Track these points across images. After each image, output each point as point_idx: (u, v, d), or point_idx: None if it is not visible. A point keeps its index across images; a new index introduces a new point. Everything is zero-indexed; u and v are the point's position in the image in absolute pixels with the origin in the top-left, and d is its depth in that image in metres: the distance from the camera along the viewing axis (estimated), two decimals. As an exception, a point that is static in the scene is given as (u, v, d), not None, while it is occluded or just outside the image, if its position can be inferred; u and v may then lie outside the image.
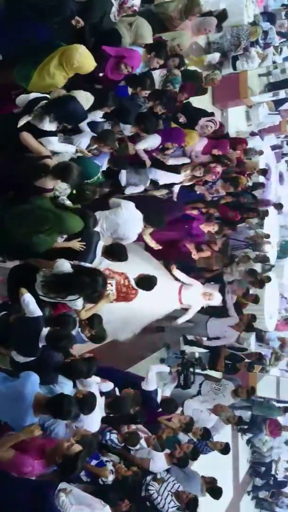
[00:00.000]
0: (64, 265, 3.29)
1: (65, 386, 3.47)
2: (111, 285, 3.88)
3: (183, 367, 5.63)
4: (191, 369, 5.62)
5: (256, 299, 6.84)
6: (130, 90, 4.57)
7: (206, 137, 5.86)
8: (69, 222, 3.32)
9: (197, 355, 6.41)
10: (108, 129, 4.33)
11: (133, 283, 4.21)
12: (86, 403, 3.36)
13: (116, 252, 3.93)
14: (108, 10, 4.14)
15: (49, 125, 3.43)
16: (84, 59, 3.53)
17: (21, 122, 3.39)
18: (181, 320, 5.56)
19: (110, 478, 3.86)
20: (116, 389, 4.20)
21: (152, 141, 4.92)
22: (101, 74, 4.23)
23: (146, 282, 4.25)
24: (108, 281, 3.80)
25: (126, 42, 4.39)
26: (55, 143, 3.58)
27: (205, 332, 6.33)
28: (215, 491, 4.93)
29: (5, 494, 2.86)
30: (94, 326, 3.76)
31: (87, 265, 3.60)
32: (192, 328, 6.40)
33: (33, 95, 3.49)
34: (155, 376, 4.79)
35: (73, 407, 2.95)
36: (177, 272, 5.46)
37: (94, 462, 3.96)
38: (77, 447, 2.90)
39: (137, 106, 4.64)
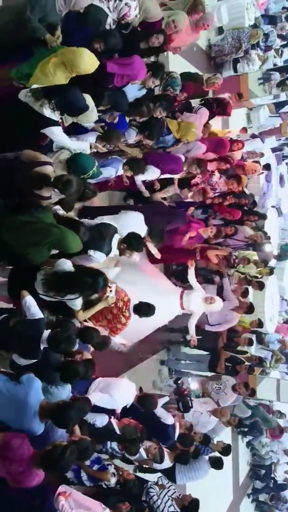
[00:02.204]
0: (66, 264, 3.29)
1: (62, 390, 3.47)
2: (111, 290, 3.87)
3: (179, 395, 5.70)
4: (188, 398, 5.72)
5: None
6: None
7: (204, 140, 5.87)
8: (71, 240, 3.31)
9: (189, 380, 6.43)
10: (112, 128, 4.33)
11: (131, 308, 4.19)
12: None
13: (133, 243, 3.95)
14: (104, 20, 4.15)
15: (50, 113, 3.39)
16: (89, 65, 3.54)
17: (21, 96, 3.37)
18: (191, 331, 5.57)
19: (113, 481, 3.85)
20: (112, 420, 4.18)
21: (151, 174, 4.96)
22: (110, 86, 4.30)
23: (144, 309, 4.25)
24: (109, 284, 3.80)
25: (135, 22, 4.44)
26: (58, 134, 3.55)
27: (206, 319, 6.31)
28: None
29: (5, 498, 2.86)
30: (87, 340, 3.75)
31: (91, 264, 3.60)
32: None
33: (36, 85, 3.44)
34: (164, 410, 4.89)
35: (74, 418, 2.94)
36: (191, 273, 5.49)
37: (96, 467, 3.95)
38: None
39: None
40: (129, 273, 4.47)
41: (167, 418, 4.78)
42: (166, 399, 5.38)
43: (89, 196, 3.75)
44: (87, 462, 3.87)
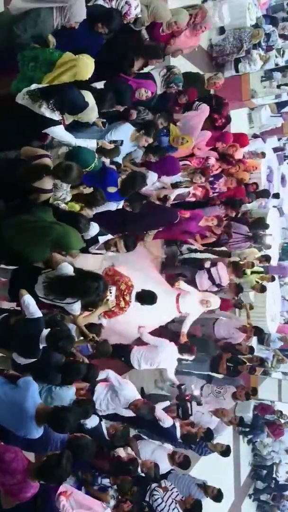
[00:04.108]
0: (68, 268, 3.28)
1: (67, 391, 3.48)
2: (110, 292, 3.85)
3: (180, 400, 5.69)
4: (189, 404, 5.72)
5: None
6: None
7: (209, 130, 5.88)
8: (72, 237, 3.31)
9: (193, 387, 6.42)
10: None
11: (133, 295, 4.20)
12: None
13: (129, 244, 3.99)
14: None
15: (50, 113, 3.39)
16: (90, 73, 3.58)
17: (19, 99, 3.37)
18: (184, 329, 5.57)
19: (112, 503, 3.82)
20: (102, 423, 4.16)
21: (150, 179, 4.97)
22: None
23: (147, 298, 4.28)
24: (109, 287, 3.79)
25: (144, 16, 4.43)
26: (61, 132, 3.55)
27: (212, 333, 6.33)
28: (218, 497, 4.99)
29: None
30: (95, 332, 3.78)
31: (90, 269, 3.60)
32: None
33: (34, 86, 3.44)
34: (163, 412, 4.88)
35: (71, 422, 2.92)
36: (183, 285, 5.51)
37: (95, 487, 3.95)
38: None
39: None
40: (128, 271, 4.48)
41: (166, 421, 4.76)
42: (167, 403, 5.38)
43: (100, 203, 3.74)
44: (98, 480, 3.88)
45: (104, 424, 4.19)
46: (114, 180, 4.19)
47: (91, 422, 3.99)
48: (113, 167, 4.27)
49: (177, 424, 4.90)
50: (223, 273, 6.13)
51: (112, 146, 4.09)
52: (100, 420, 4.16)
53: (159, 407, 4.96)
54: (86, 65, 3.50)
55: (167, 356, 5.06)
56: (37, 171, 3.28)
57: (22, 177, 3.28)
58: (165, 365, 5.18)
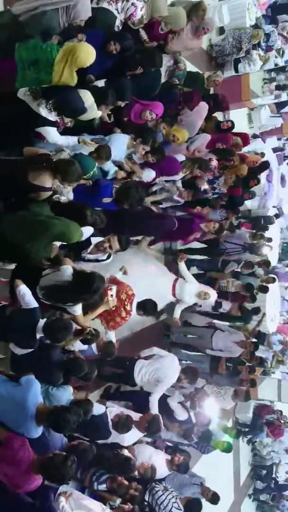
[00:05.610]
0: (69, 270, 3.27)
1: (64, 392, 3.48)
2: (111, 291, 3.84)
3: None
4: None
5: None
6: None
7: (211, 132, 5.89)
8: (73, 230, 3.29)
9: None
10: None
11: (134, 303, 4.20)
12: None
13: (123, 243, 3.95)
14: (112, 23, 4.19)
15: (47, 113, 3.40)
16: (92, 58, 3.53)
17: (20, 94, 3.38)
18: (176, 313, 5.56)
19: (118, 501, 3.84)
20: (107, 411, 4.14)
21: (147, 176, 4.98)
22: (125, 119, 4.47)
23: (148, 307, 4.32)
24: (109, 287, 3.78)
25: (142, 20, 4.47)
26: (54, 134, 3.60)
27: (209, 345, 6.37)
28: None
29: (6, 498, 2.87)
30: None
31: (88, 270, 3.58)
32: (197, 340, 6.48)
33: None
34: (179, 406, 5.04)
35: (72, 422, 2.92)
36: (182, 265, 5.50)
37: (102, 487, 3.92)
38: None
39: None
40: (125, 253, 4.46)
41: (181, 414, 4.96)
42: (181, 398, 5.40)
43: (99, 225, 3.73)
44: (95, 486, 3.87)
45: (109, 415, 4.16)
46: (109, 191, 4.19)
47: (97, 409, 3.97)
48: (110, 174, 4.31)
49: (193, 418, 5.15)
50: (225, 307, 6.40)
51: (93, 143, 4.08)
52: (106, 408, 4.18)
53: (174, 400, 5.08)
54: (86, 49, 3.47)
55: (170, 371, 5.00)
56: (37, 160, 3.28)
57: (22, 172, 3.26)
58: (167, 381, 5.04)
